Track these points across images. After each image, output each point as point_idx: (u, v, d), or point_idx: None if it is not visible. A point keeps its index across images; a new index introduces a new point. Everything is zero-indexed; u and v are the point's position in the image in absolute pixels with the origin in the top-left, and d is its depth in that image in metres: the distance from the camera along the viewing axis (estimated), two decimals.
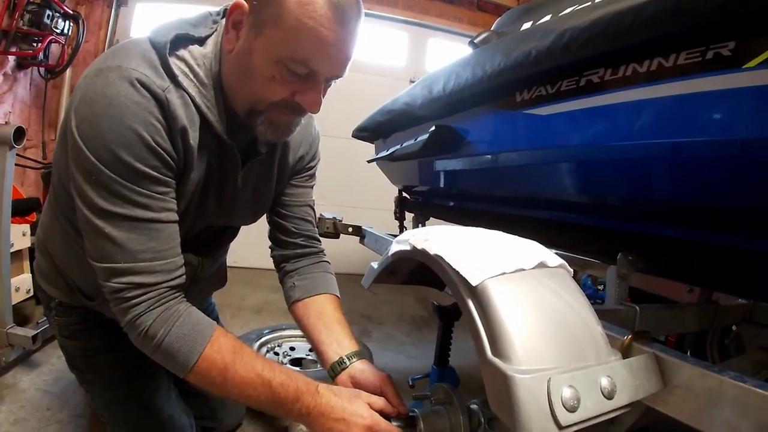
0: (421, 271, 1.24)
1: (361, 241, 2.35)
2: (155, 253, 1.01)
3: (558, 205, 1.38)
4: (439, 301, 1.75)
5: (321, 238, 1.51)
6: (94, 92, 0.97)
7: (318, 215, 1.69)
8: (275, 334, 2.38)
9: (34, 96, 3.83)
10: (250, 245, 3.70)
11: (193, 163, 1.11)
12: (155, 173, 1.02)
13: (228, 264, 1.62)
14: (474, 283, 0.76)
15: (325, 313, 1.32)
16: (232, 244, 1.52)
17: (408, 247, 0.99)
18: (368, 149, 2.54)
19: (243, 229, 1.50)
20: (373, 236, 2.20)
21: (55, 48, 3.76)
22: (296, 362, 2.24)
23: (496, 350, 0.70)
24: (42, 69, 3.77)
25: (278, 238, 1.46)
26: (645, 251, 1.20)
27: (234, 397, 1.02)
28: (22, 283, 2.10)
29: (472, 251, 0.85)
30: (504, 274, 0.80)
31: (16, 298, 2.02)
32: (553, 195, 1.34)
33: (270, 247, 1.50)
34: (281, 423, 1.85)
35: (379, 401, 1.07)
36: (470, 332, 0.74)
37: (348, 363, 1.21)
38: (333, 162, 3.54)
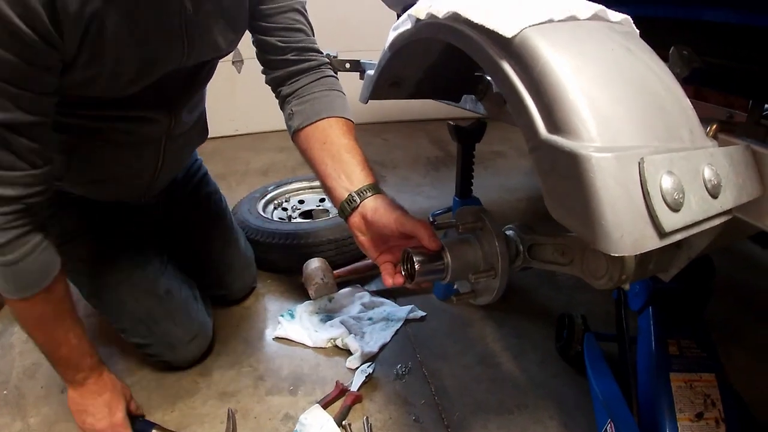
0: (434, 75, 0.98)
1: (362, 77, 2.07)
2: (9, 164, 0.85)
3: None
4: (455, 121, 1.51)
5: None
6: None
7: None
8: (281, 190, 2.16)
9: None
10: (252, 110, 3.35)
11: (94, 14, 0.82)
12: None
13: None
14: (509, 34, 0.50)
15: (330, 140, 1.07)
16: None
17: (410, 25, 0.72)
18: None
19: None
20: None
21: None
22: (307, 214, 2.06)
23: (555, 124, 0.46)
24: None
25: (266, 59, 1.19)
26: (702, 44, 0.91)
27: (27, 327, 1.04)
28: None
29: (501, 1, 0.58)
30: (551, 21, 0.53)
31: None
32: None
33: (263, 72, 1.22)
34: (297, 280, 1.71)
35: None
36: (511, 109, 0.50)
37: (358, 201, 0.97)
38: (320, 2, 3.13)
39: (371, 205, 0.96)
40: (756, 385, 1.27)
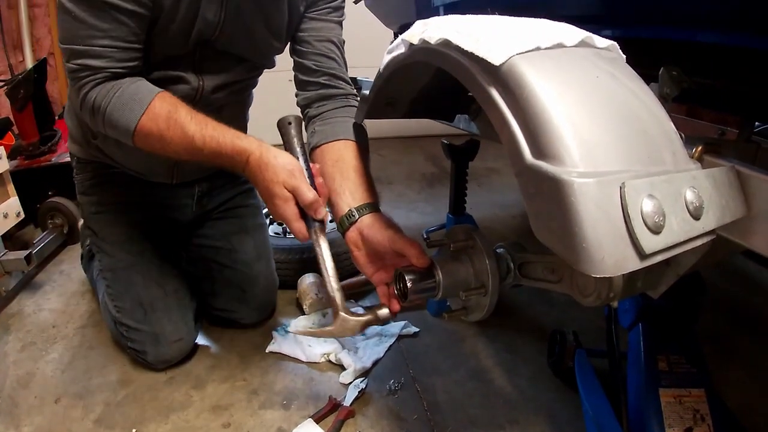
0: (427, 96, 1.00)
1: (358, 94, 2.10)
2: (111, 39, 1.03)
3: (583, 17, 1.09)
4: (449, 139, 1.54)
5: None
6: None
7: None
8: None
9: None
10: (251, 125, 3.46)
11: None
12: None
13: None
14: (497, 62, 0.52)
15: (343, 160, 1.13)
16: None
17: (404, 49, 0.74)
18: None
19: (257, 107, 1.54)
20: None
21: None
22: None
23: (540, 150, 0.48)
24: None
25: (300, 79, 1.31)
26: (691, 64, 0.94)
27: (177, 157, 1.10)
28: (10, 207, 1.83)
29: (491, 29, 0.60)
30: (539, 49, 0.56)
31: (6, 225, 1.83)
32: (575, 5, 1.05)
33: (295, 95, 1.33)
34: (291, 295, 1.72)
35: None
36: (499, 134, 0.52)
37: (356, 216, 1.02)
38: None
39: (367, 222, 1.00)
40: (749, 398, 1.29)
